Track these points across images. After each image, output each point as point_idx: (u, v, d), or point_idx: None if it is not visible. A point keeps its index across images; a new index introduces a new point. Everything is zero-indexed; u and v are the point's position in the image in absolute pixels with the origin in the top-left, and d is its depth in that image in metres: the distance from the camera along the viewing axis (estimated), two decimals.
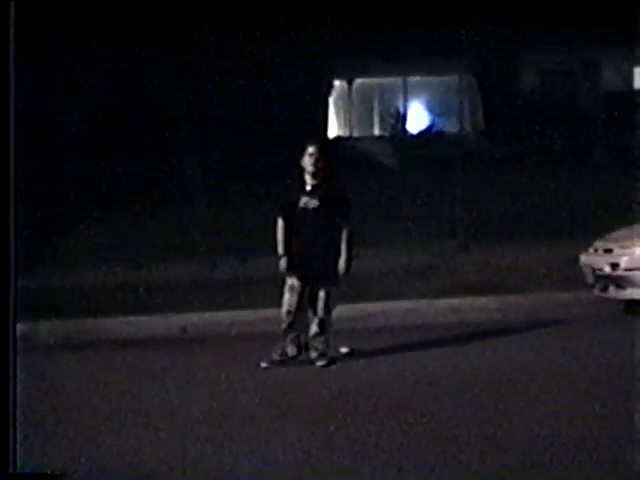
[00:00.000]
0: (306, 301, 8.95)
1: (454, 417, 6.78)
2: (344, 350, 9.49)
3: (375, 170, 19.36)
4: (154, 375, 8.86)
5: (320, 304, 8.90)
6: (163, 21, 19.43)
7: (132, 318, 11.85)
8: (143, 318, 11.87)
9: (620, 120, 19.10)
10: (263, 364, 8.86)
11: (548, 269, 13.29)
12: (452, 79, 25.16)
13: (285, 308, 8.97)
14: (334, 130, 25.78)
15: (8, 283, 4.92)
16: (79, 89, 20.50)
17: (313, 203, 8.86)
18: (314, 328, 8.94)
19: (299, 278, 8.91)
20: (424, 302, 12.25)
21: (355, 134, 25.80)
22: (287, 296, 8.96)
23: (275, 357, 8.94)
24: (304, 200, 8.89)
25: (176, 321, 11.70)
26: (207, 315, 11.91)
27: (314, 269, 8.85)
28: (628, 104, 21.29)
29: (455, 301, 12.22)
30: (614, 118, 19.94)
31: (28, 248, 14.73)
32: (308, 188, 8.93)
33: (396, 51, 22.74)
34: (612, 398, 7.05)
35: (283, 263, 8.91)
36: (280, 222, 8.97)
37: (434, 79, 25.57)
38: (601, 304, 11.45)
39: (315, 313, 8.93)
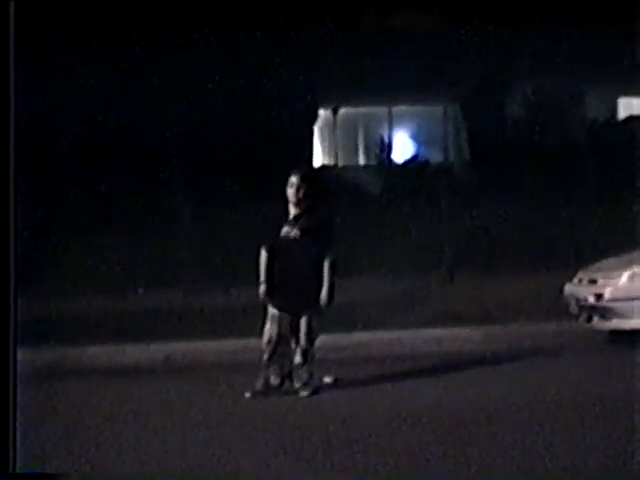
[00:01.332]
0: (287, 331, 8.91)
1: (440, 447, 6.76)
2: (328, 380, 9.47)
3: (360, 199, 19.38)
4: (138, 404, 8.83)
5: (302, 334, 8.88)
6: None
7: (115, 347, 11.82)
8: (126, 347, 11.83)
9: (607, 151, 19.20)
10: (247, 394, 8.83)
11: (533, 300, 13.31)
12: (437, 109, 25.27)
13: (266, 338, 8.95)
14: (319, 159, 25.82)
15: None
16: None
17: (294, 233, 8.85)
18: (297, 358, 8.91)
19: (279, 308, 8.91)
20: (409, 332, 12.25)
21: (340, 163, 25.84)
22: (268, 326, 8.96)
23: (258, 387, 8.90)
24: (285, 230, 8.89)
25: (159, 350, 11.66)
26: (191, 344, 11.87)
27: (294, 299, 8.84)
28: (615, 135, 21.41)
29: (440, 331, 12.22)
30: (602, 149, 20.03)
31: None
32: (290, 218, 8.93)
33: (381, 80, 22.83)
34: (598, 428, 7.06)
35: (262, 289, 8.92)
36: (263, 252, 8.96)
37: (419, 108, 25.66)
38: (585, 335, 11.47)
39: (297, 343, 8.90)
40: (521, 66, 22.77)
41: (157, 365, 11.18)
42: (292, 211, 8.95)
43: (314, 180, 9.09)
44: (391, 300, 14.07)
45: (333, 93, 24.10)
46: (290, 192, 8.90)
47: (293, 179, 8.91)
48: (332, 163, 25.71)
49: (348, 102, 25.39)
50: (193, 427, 7.73)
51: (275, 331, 8.90)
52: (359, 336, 12.06)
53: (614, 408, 7.56)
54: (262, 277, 8.92)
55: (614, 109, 24.58)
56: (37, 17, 14.01)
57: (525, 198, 17.32)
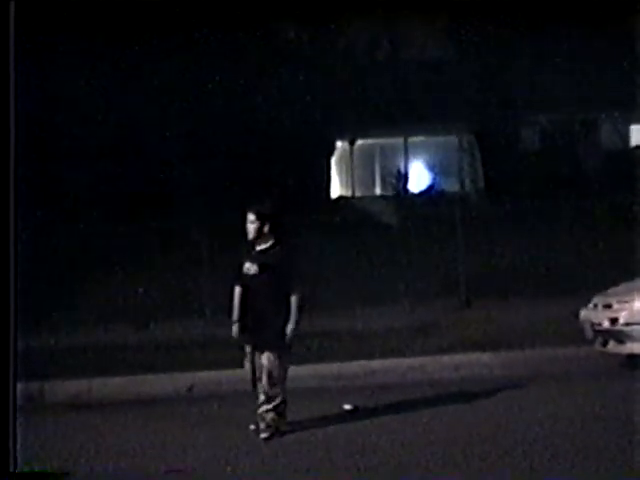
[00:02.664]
0: (258, 368, 8.71)
1: (459, 472, 6.87)
2: (348, 407, 9.58)
3: (377, 229, 19.49)
4: (160, 433, 8.97)
5: (264, 372, 8.63)
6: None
7: (139, 377, 11.95)
8: (150, 377, 11.96)
9: (620, 178, 19.27)
10: (252, 426, 8.71)
11: (549, 325, 13.38)
12: (452, 139, 25.43)
13: (248, 377, 8.82)
14: (337, 190, 26.02)
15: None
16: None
17: (254, 269, 8.66)
18: (261, 397, 8.68)
19: (250, 345, 8.76)
20: (427, 359, 12.33)
21: (357, 193, 26.02)
22: (246, 363, 8.84)
23: (262, 426, 8.64)
24: (246, 266, 8.71)
25: (183, 380, 11.79)
26: (214, 374, 11.97)
27: (258, 336, 8.65)
28: (628, 162, 21.47)
29: (457, 357, 12.30)
30: (614, 176, 20.11)
31: (36, 309, 14.91)
32: (253, 254, 8.74)
33: (396, 112, 23.00)
34: (614, 452, 7.15)
35: (234, 330, 8.75)
36: (236, 288, 8.82)
37: (434, 139, 25.84)
38: (601, 359, 11.54)
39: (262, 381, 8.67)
40: (536, 95, 22.91)
41: (181, 395, 11.31)
42: (254, 247, 8.79)
43: (271, 217, 8.80)
44: (409, 327, 14.13)
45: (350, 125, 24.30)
46: (250, 229, 8.72)
47: (250, 216, 8.76)
48: (349, 194, 25.90)
49: (364, 134, 25.60)
50: (215, 458, 7.87)
51: (251, 369, 8.74)
52: (378, 363, 12.15)
53: (630, 431, 7.63)
54: (234, 316, 8.76)
55: (627, 137, 24.69)
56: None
57: (540, 226, 17.40)
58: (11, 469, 5.10)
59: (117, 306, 15.68)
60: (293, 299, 8.62)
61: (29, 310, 14.09)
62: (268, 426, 8.58)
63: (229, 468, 7.46)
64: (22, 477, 5.64)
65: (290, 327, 8.59)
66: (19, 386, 10.56)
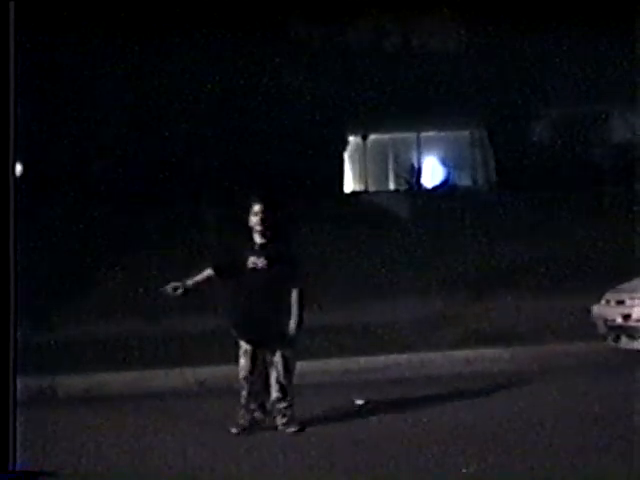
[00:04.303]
0: (261, 365, 8.56)
1: (470, 466, 6.88)
2: (359, 402, 9.59)
3: (390, 223, 19.52)
4: (172, 428, 9.00)
5: (278, 368, 8.50)
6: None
7: (150, 372, 11.99)
8: (161, 371, 12.00)
9: (632, 171, 19.24)
10: (233, 430, 8.53)
11: (561, 320, 13.39)
12: (464, 133, 25.42)
13: (241, 374, 8.61)
14: (350, 185, 26.02)
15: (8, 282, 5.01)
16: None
17: (262, 262, 8.44)
18: (275, 393, 8.53)
19: (250, 342, 8.56)
20: (438, 354, 12.36)
21: (370, 188, 26.03)
22: (242, 361, 8.60)
23: (243, 422, 8.58)
24: (252, 260, 8.45)
25: (194, 374, 11.82)
26: (225, 368, 11.99)
27: (265, 332, 8.46)
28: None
29: (468, 352, 12.32)
30: (626, 169, 20.08)
31: (45, 303, 14.99)
32: (256, 247, 8.51)
33: (409, 107, 23.00)
34: (624, 447, 7.14)
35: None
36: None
37: (447, 134, 25.83)
38: (613, 355, 11.55)
39: (273, 377, 8.53)
40: (548, 89, 22.88)
41: (193, 389, 11.35)
42: (258, 240, 8.51)
43: (277, 206, 8.62)
44: (420, 322, 14.15)
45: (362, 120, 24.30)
46: (255, 220, 8.47)
47: (256, 207, 8.46)
48: (362, 189, 25.92)
49: (377, 129, 25.61)
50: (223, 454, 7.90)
51: (248, 366, 8.54)
52: (389, 358, 12.18)
53: None
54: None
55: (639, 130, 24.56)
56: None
57: (552, 220, 17.41)
58: (10, 468, 5.11)
59: (129, 300, 15.72)
60: (294, 293, 8.46)
61: (40, 304, 14.25)
62: (292, 419, 8.51)
63: (240, 464, 7.48)
64: (21, 477, 5.64)
65: (293, 322, 8.45)
66: (31, 380, 10.77)
